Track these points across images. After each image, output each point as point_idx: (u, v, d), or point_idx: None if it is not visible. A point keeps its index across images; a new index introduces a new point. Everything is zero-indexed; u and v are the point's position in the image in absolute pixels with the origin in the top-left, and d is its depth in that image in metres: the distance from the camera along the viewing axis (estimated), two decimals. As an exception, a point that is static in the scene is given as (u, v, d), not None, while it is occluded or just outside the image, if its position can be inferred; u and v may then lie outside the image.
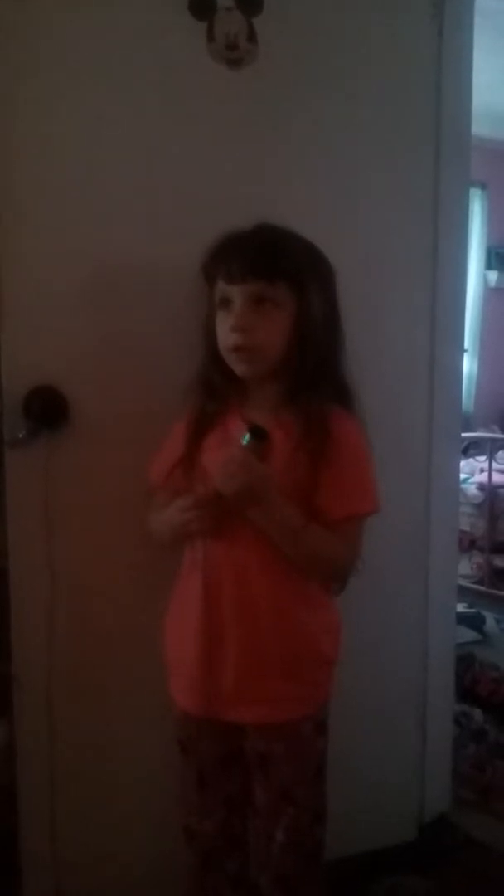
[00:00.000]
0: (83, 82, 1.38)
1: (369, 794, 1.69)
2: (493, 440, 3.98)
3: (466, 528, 3.62)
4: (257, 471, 1.12)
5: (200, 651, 1.21)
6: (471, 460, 3.95)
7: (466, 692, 2.43)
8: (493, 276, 5.38)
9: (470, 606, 3.28)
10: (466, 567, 3.62)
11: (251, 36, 1.45)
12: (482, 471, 3.80)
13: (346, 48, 1.56)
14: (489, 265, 5.39)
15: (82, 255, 1.40)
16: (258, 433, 1.13)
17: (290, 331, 1.20)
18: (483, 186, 5.07)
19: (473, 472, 3.89)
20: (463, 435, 2.98)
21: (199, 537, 1.22)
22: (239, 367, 1.21)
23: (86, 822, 1.51)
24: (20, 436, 1.37)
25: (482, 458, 3.84)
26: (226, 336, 1.20)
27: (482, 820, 1.91)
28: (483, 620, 3.20)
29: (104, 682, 1.50)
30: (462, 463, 3.34)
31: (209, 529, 1.19)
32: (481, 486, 3.74)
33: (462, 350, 1.84)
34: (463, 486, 3.60)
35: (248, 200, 1.28)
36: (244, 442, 1.13)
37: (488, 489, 3.68)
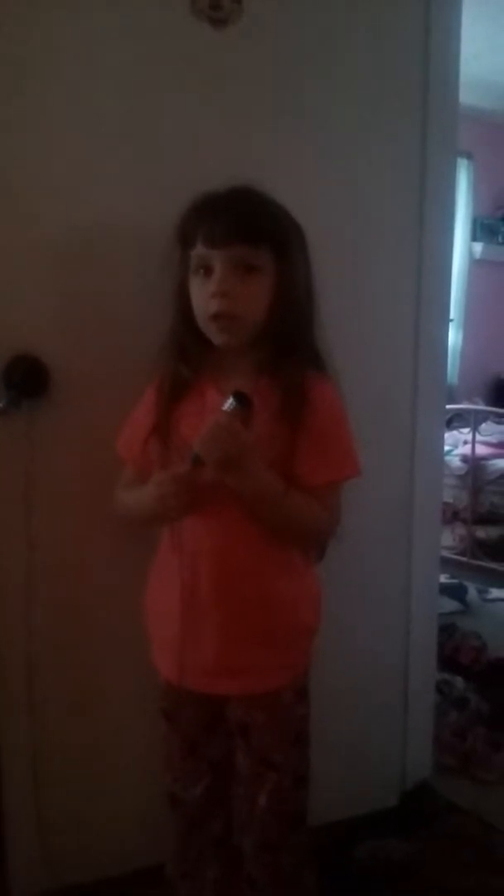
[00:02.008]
0: (60, 42, 1.35)
1: (351, 762, 1.72)
2: (477, 412, 3.98)
3: (449, 500, 3.64)
4: (242, 437, 1.10)
5: (181, 622, 1.20)
6: (454, 432, 3.96)
7: (448, 660, 2.45)
8: (478, 247, 5.36)
9: (452, 577, 3.31)
10: (449, 538, 3.65)
11: (235, -5, 1.42)
12: (465, 443, 3.81)
13: (333, 11, 1.52)
14: (474, 236, 5.36)
15: (59, 222, 1.37)
16: (242, 399, 1.10)
17: (270, 297, 1.17)
18: (469, 156, 5.03)
19: (457, 444, 3.91)
20: (447, 407, 2.98)
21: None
22: (218, 336, 1.18)
23: (70, 788, 1.53)
24: (0, 405, 1.35)
25: (466, 430, 3.85)
26: (206, 303, 1.16)
27: (463, 786, 1.94)
28: (465, 591, 3.23)
29: (87, 651, 1.50)
30: (446, 435, 3.35)
31: (186, 507, 1.16)
32: (464, 458, 3.76)
33: (447, 322, 1.83)
34: (446, 458, 3.61)
35: (230, 164, 1.25)
36: (227, 408, 1.10)
37: (471, 461, 3.69)
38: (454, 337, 5.12)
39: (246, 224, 1.15)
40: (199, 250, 1.16)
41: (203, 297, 1.17)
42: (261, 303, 1.17)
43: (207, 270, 1.16)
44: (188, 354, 1.23)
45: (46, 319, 1.39)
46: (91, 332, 1.41)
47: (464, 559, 3.60)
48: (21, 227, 1.36)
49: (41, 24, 1.33)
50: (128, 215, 1.39)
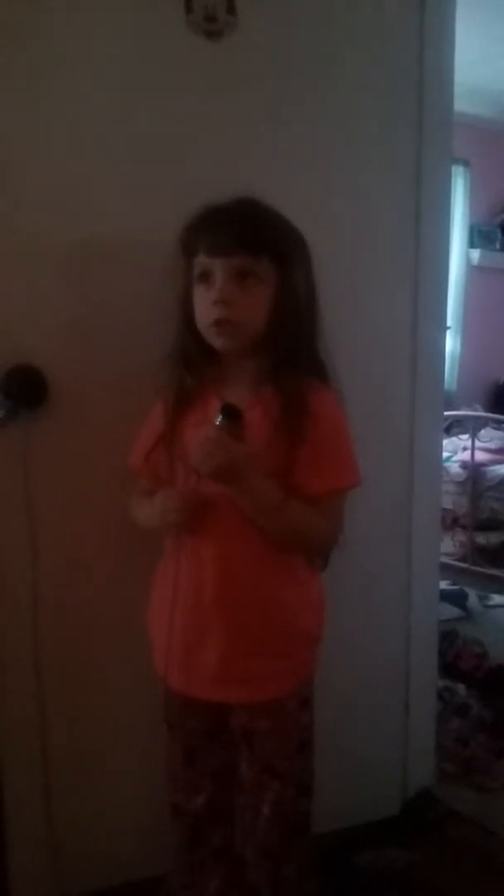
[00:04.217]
0: (60, 54, 1.36)
1: (353, 770, 1.71)
2: (476, 418, 3.99)
3: (449, 506, 3.64)
4: (233, 450, 1.11)
5: (184, 631, 1.20)
6: (454, 438, 3.96)
7: (450, 667, 2.45)
8: (475, 254, 5.37)
9: (453, 583, 3.31)
10: (449, 545, 3.65)
11: (230, 7, 1.42)
12: (465, 449, 3.81)
13: (328, 21, 1.53)
14: (472, 243, 5.37)
15: (59, 232, 1.38)
16: (231, 412, 1.11)
17: (271, 306, 1.18)
18: (465, 163, 5.04)
19: (456, 451, 3.91)
20: (446, 413, 2.97)
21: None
22: (218, 342, 1.20)
23: (72, 798, 1.52)
24: (-1, 416, 1.36)
25: (465, 437, 3.85)
26: (207, 310, 1.18)
27: (465, 793, 1.94)
28: (466, 597, 3.23)
29: (91, 660, 1.50)
30: (445, 441, 3.35)
31: (187, 521, 1.19)
32: (464, 464, 3.76)
33: (444, 328, 1.83)
34: (446, 464, 3.62)
35: (227, 174, 1.26)
36: (217, 422, 1.11)
37: (471, 467, 3.70)
38: (453, 343, 5.13)
39: (246, 234, 1.16)
40: (201, 259, 1.18)
41: (204, 305, 1.19)
42: (261, 311, 1.18)
43: (209, 279, 1.18)
44: (192, 364, 1.24)
45: (45, 329, 1.39)
46: (90, 343, 1.42)
47: (464, 565, 3.59)
48: (21, 237, 1.37)
49: (41, 36, 1.35)
50: (126, 226, 1.40)
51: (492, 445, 3.89)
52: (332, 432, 1.20)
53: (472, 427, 3.78)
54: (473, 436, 3.73)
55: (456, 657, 2.53)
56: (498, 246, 5.49)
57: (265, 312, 1.19)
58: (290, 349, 1.21)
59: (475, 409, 4.71)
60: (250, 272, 1.16)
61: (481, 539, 3.70)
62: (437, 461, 1.89)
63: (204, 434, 1.12)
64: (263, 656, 1.21)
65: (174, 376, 1.25)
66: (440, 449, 1.93)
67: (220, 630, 1.19)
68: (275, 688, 1.23)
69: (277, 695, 1.23)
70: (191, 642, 1.20)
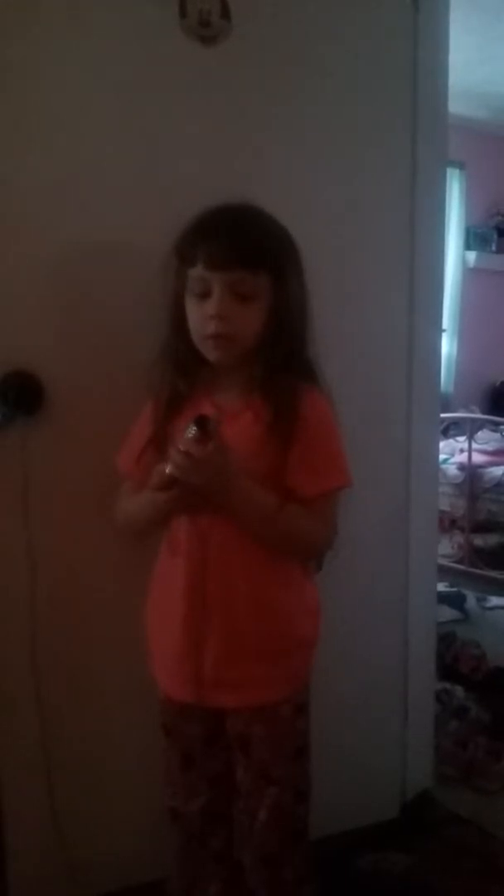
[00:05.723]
0: (52, 57, 1.36)
1: (352, 773, 1.70)
2: (473, 420, 3.99)
3: (447, 508, 3.64)
4: (215, 463, 1.09)
5: (180, 636, 1.20)
6: (451, 440, 3.97)
7: (448, 669, 2.45)
8: (471, 256, 5.38)
9: (451, 586, 3.31)
10: (447, 547, 3.65)
11: (224, 12, 1.42)
12: (462, 451, 3.82)
13: (322, 24, 1.53)
14: (468, 245, 5.38)
15: (55, 237, 1.38)
16: (203, 424, 1.08)
17: (266, 318, 1.18)
18: (461, 166, 5.06)
19: (454, 453, 3.91)
20: (443, 415, 2.98)
21: (176, 519, 1.20)
22: (214, 355, 1.19)
23: (71, 802, 1.51)
24: (-4, 421, 1.35)
25: (462, 439, 3.85)
26: (203, 323, 1.17)
27: (464, 796, 1.94)
28: (464, 599, 3.23)
29: (88, 665, 1.50)
30: (442, 443, 3.35)
31: (181, 509, 1.17)
32: (461, 466, 3.76)
33: (440, 330, 1.83)
34: (443, 466, 3.62)
35: (221, 178, 1.26)
36: (188, 435, 1.08)
37: (468, 469, 3.70)
38: (449, 346, 5.14)
39: (246, 249, 1.15)
40: (198, 271, 1.17)
41: (201, 318, 1.18)
42: (256, 324, 1.18)
43: (206, 291, 1.16)
44: (185, 368, 1.24)
45: (41, 335, 1.39)
46: (86, 348, 1.41)
47: (462, 567, 3.59)
48: (16, 242, 1.36)
49: (33, 38, 1.35)
50: (122, 230, 1.40)
51: (489, 447, 3.90)
52: (321, 433, 1.20)
53: (469, 429, 3.78)
54: (470, 438, 3.73)
55: (454, 659, 2.53)
56: (494, 248, 5.50)
57: (260, 324, 1.18)
58: (282, 356, 1.20)
59: (472, 412, 4.72)
60: (248, 287, 1.15)
61: (479, 541, 3.70)
62: (434, 463, 1.90)
63: (181, 452, 1.08)
64: (257, 661, 1.21)
65: (165, 380, 1.25)
66: (437, 451, 1.94)
67: (215, 635, 1.19)
68: (269, 693, 1.23)
69: (271, 700, 1.23)
70: (187, 649, 1.20)
